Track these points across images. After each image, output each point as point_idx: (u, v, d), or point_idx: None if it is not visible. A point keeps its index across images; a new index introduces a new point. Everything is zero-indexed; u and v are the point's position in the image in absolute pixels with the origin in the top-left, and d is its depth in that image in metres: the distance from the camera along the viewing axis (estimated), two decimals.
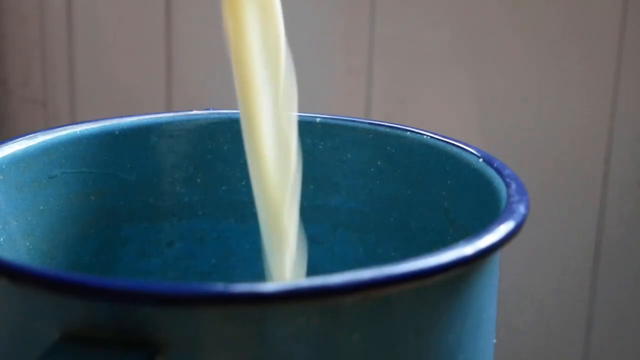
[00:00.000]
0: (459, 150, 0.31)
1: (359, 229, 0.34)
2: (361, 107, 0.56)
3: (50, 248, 0.32)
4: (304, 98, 0.59)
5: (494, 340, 0.27)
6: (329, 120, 0.34)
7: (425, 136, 0.32)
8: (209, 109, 0.35)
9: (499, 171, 0.28)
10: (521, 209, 0.25)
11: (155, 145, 0.34)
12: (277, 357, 0.21)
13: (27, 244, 0.31)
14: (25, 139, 0.31)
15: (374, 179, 0.34)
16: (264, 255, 0.30)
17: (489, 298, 0.25)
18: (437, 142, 0.32)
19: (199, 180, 0.35)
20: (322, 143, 0.34)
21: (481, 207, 0.29)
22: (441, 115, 0.55)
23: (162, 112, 0.34)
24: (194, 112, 0.35)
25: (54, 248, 0.32)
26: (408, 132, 0.32)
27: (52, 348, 0.21)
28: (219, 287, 0.20)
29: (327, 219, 0.35)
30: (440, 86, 0.55)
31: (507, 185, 0.27)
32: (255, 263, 0.36)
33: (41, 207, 0.31)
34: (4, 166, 0.30)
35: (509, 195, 0.26)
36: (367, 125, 0.33)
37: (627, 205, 0.54)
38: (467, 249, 0.23)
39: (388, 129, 0.33)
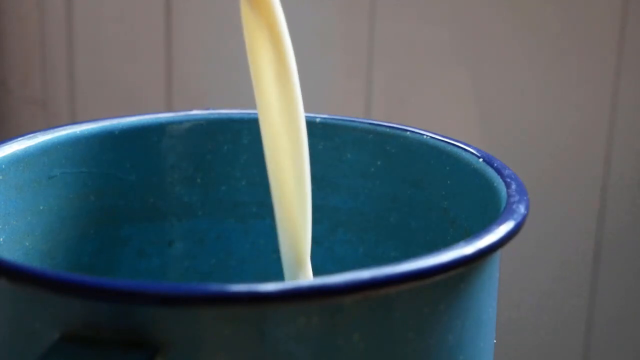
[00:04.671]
0: (459, 150, 0.31)
1: (358, 228, 0.34)
2: (361, 107, 0.56)
3: (50, 248, 0.32)
4: (304, 98, 0.59)
5: (494, 341, 0.27)
6: (328, 120, 0.34)
7: (425, 136, 0.32)
8: (209, 109, 0.35)
9: (499, 171, 0.28)
10: (521, 209, 0.25)
11: (155, 145, 0.34)
12: (277, 357, 0.21)
13: (27, 244, 0.31)
14: (25, 139, 0.31)
15: (373, 179, 0.34)
16: (282, 256, 0.30)
17: (489, 298, 0.25)
18: (437, 142, 0.32)
19: (199, 180, 0.35)
20: (321, 143, 0.34)
21: (481, 207, 0.29)
22: (441, 115, 0.55)
23: (162, 112, 0.34)
24: (194, 112, 0.35)
25: (53, 248, 0.32)
26: (408, 132, 0.32)
27: (52, 348, 0.21)
28: (219, 287, 0.20)
29: (327, 218, 0.35)
30: (440, 86, 0.55)
31: (507, 185, 0.27)
32: (255, 263, 0.36)
33: (41, 207, 0.31)
34: (3, 166, 0.30)
35: (509, 195, 0.26)
36: (367, 125, 0.33)
37: (627, 205, 0.54)
38: (467, 249, 0.23)
39: (388, 129, 0.33)
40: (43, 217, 0.31)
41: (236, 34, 0.57)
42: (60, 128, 0.32)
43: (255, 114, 0.35)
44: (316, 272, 0.35)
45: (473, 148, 0.30)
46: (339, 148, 0.34)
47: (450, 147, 0.31)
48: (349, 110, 0.56)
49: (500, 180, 0.28)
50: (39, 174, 0.31)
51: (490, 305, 0.25)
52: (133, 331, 0.21)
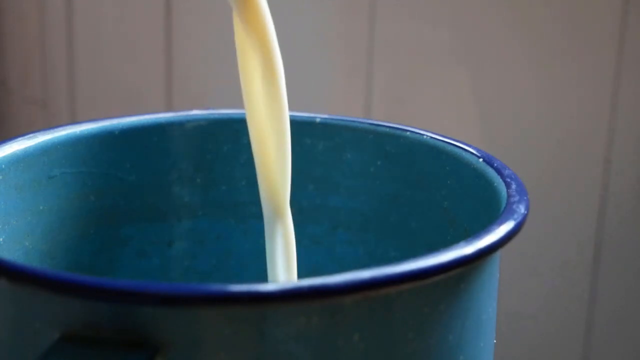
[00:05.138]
0: (459, 150, 0.31)
1: (358, 229, 0.34)
2: (361, 107, 0.56)
3: (50, 248, 0.32)
4: (304, 98, 0.59)
5: (494, 341, 0.27)
6: (328, 120, 0.34)
7: (425, 136, 0.32)
8: (209, 109, 0.35)
9: (499, 171, 0.28)
10: (521, 208, 0.25)
11: (155, 146, 0.34)
12: (277, 357, 0.21)
13: (27, 243, 0.31)
14: (25, 138, 0.31)
15: (373, 179, 0.34)
16: (268, 256, 0.31)
17: (489, 298, 0.25)
18: (437, 142, 0.32)
19: (198, 181, 0.35)
20: (321, 143, 0.34)
21: (481, 207, 0.29)
22: (441, 115, 0.55)
23: (162, 112, 0.34)
24: (194, 112, 0.35)
25: (53, 248, 0.32)
26: (408, 132, 0.32)
27: (52, 348, 0.21)
28: (219, 287, 0.20)
29: (327, 219, 0.35)
30: (440, 86, 0.55)
31: (507, 185, 0.27)
32: (255, 263, 0.36)
33: (41, 207, 0.31)
34: (3, 166, 0.30)
35: (509, 195, 0.26)
36: (367, 125, 0.33)
37: (627, 204, 0.54)
38: (467, 249, 0.23)
39: (388, 129, 0.33)
40: (43, 217, 0.31)
41: None
42: (60, 128, 0.32)
43: None
44: (316, 272, 0.35)
45: (473, 148, 0.30)
46: (339, 148, 0.34)
47: (450, 147, 0.31)
48: (348, 110, 0.56)
49: (500, 180, 0.28)
50: (39, 174, 0.31)
51: (490, 305, 0.25)
52: (133, 331, 0.21)
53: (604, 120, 0.53)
